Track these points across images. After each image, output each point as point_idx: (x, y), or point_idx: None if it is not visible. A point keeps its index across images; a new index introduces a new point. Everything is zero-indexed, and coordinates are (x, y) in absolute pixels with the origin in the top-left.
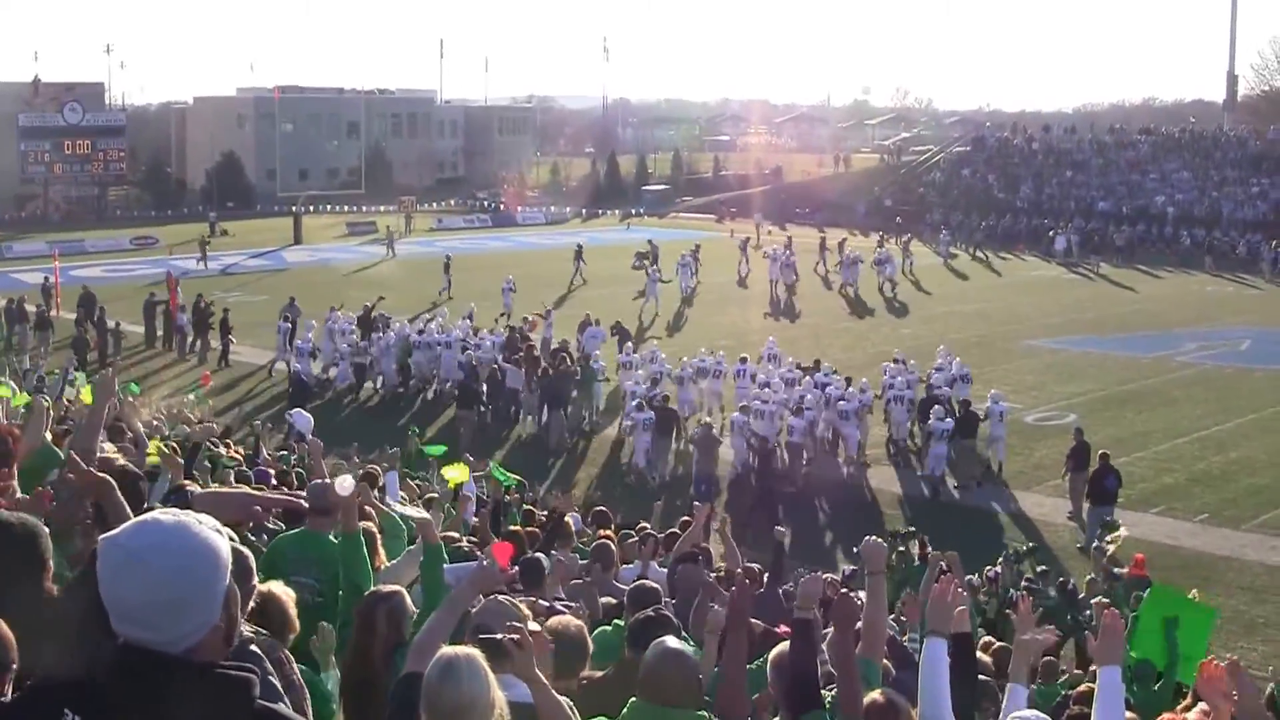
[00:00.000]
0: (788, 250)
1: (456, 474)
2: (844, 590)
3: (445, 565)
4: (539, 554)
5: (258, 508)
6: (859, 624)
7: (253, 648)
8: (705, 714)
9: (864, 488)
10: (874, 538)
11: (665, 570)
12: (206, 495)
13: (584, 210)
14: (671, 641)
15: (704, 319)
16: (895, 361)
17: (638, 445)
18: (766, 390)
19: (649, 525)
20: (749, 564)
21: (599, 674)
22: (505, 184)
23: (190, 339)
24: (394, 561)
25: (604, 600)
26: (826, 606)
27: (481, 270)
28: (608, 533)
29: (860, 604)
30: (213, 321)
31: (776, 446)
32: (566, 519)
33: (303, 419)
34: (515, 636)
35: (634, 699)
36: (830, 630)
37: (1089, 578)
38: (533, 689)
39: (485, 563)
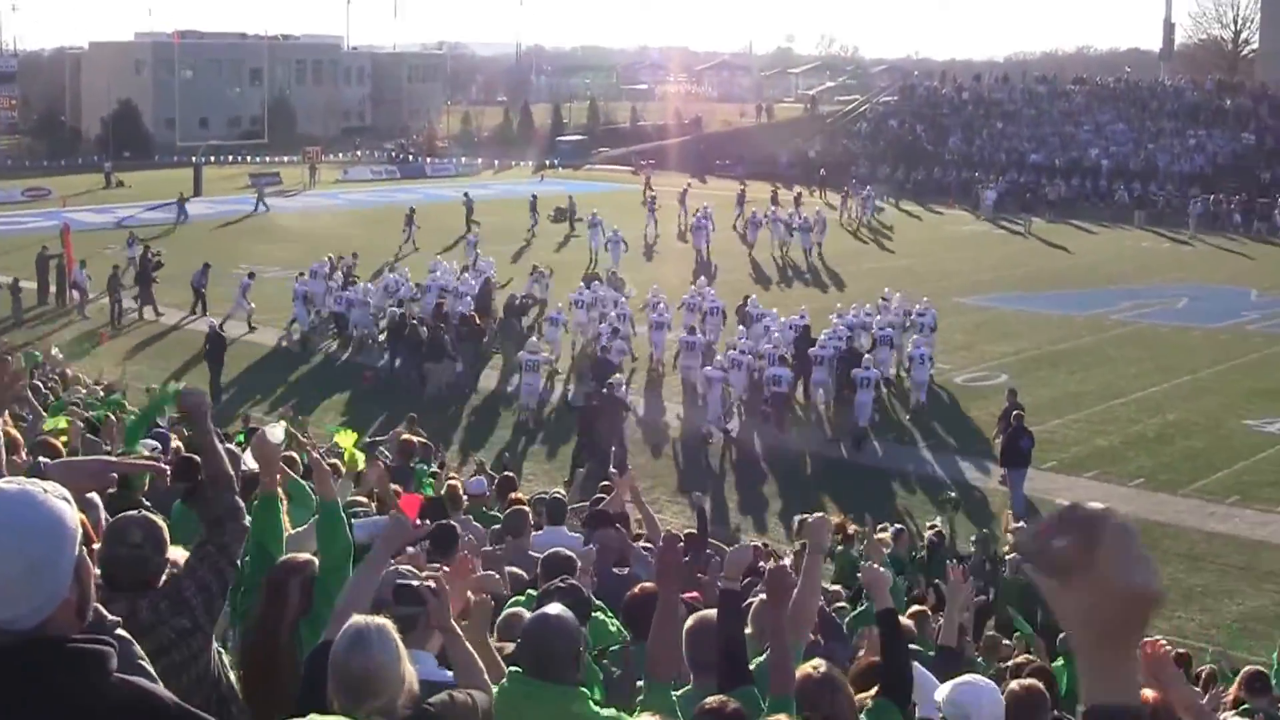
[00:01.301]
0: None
1: (349, 440)
2: (778, 561)
3: (353, 522)
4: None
5: (113, 474)
6: (792, 597)
7: (120, 631)
8: (585, 690)
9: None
10: (821, 515)
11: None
12: (58, 464)
13: (496, 161)
14: (553, 608)
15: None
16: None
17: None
18: (745, 341)
19: (562, 492)
20: (670, 531)
21: (509, 648)
22: (414, 134)
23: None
24: (299, 529)
25: (512, 570)
26: (755, 576)
27: (390, 224)
28: (519, 496)
29: (793, 577)
30: (157, 275)
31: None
32: (452, 481)
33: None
34: (431, 584)
35: (511, 668)
36: (757, 600)
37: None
38: (448, 640)
39: (397, 515)
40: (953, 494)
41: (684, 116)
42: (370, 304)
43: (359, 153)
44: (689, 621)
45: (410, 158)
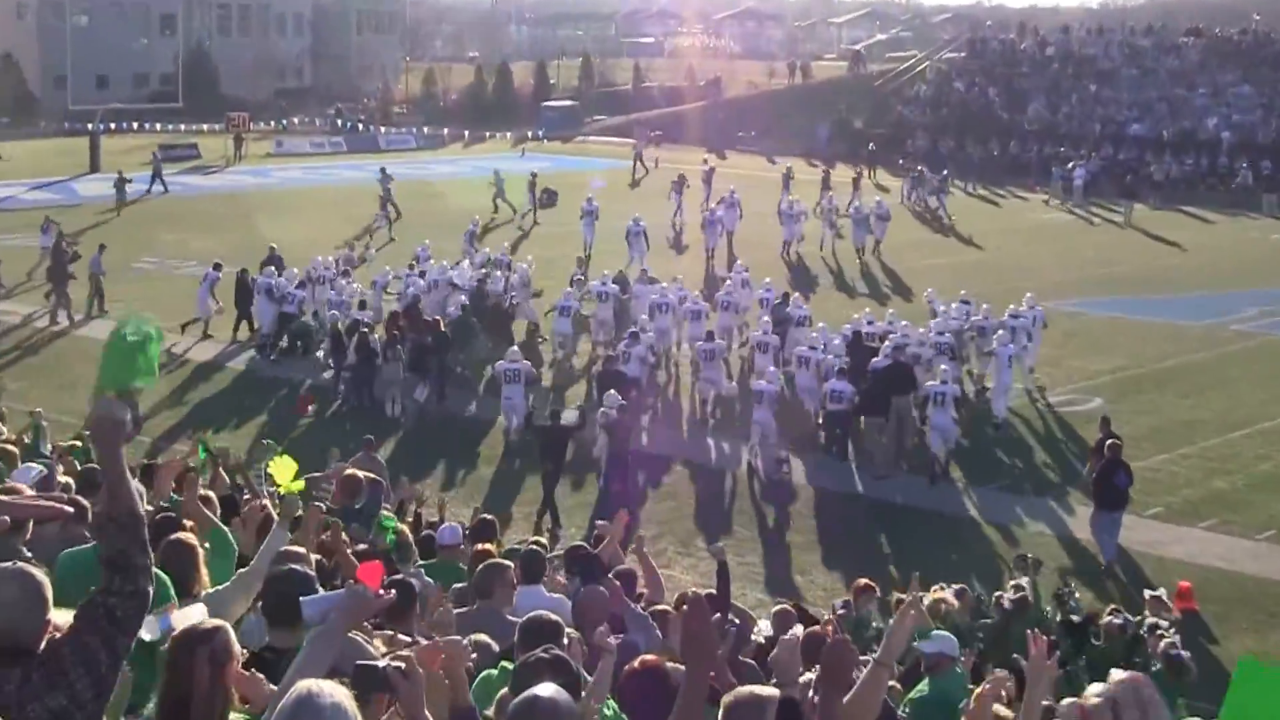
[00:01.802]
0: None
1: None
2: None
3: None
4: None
5: (4, 517)
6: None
7: None
8: None
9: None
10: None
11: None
12: None
13: (467, 132)
14: (545, 690)
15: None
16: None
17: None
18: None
19: (543, 541)
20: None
21: None
22: (365, 97)
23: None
24: (220, 587)
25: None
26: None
27: (337, 206)
28: (488, 548)
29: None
30: (74, 270)
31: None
32: (401, 526)
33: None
34: (400, 664)
35: None
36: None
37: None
38: None
39: (356, 588)
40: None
41: (699, 77)
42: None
43: (296, 121)
44: (729, 700)
45: (360, 127)
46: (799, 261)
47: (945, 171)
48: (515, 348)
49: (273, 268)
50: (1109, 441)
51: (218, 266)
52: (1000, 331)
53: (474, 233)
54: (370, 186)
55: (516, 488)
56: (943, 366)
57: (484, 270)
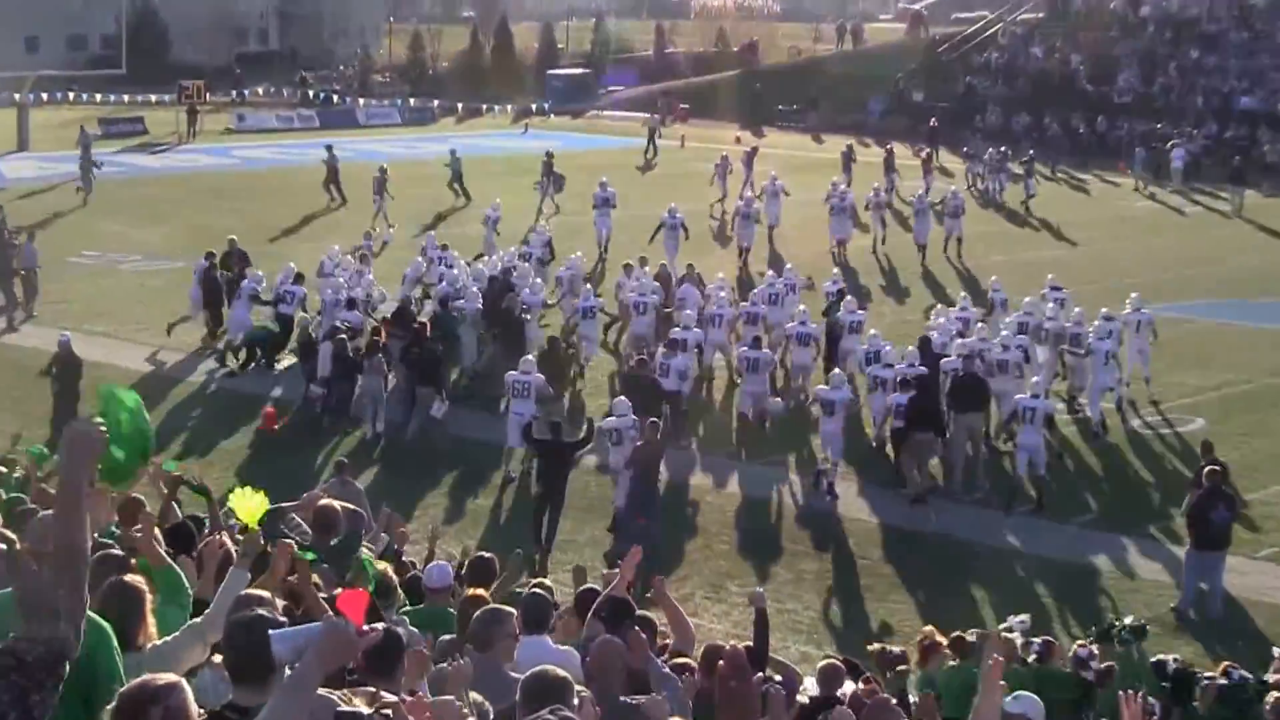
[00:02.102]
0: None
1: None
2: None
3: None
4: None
5: None
6: None
7: None
8: None
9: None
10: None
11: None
12: None
13: (460, 106)
14: None
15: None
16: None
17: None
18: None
19: (547, 584)
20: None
21: None
22: (341, 64)
23: None
24: (171, 637)
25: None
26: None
27: (310, 192)
28: (479, 593)
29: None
30: (17, 265)
31: None
32: (381, 566)
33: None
34: (387, 712)
35: None
36: None
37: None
38: None
39: (335, 621)
40: (1126, 622)
41: (732, 41)
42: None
43: (260, 91)
44: None
45: (335, 99)
46: (848, 260)
47: (1005, 149)
48: (530, 357)
49: (259, 272)
50: (1208, 469)
51: (210, 256)
52: (1097, 322)
53: (495, 219)
54: (350, 164)
55: (519, 521)
56: (1035, 378)
57: (512, 266)
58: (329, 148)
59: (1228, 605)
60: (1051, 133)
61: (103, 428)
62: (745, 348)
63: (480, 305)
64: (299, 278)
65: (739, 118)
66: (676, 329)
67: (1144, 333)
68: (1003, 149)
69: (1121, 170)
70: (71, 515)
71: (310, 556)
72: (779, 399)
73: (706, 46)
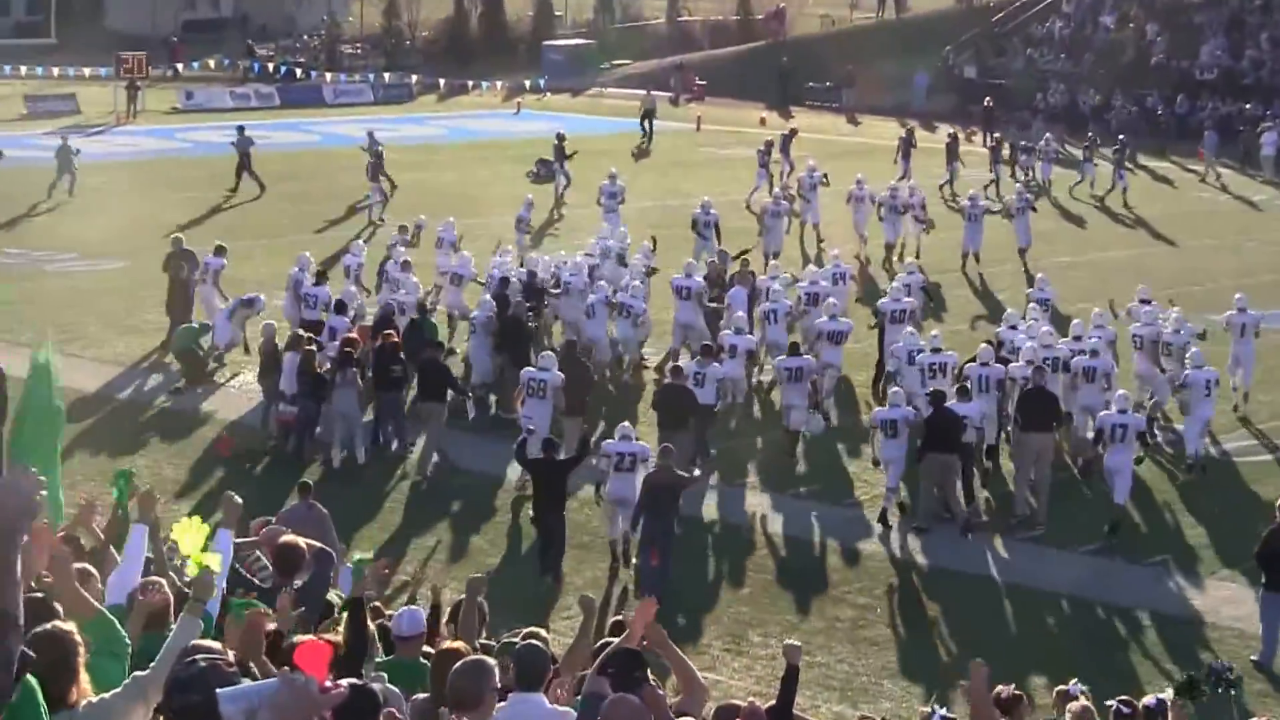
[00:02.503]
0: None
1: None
2: None
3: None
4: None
5: None
6: None
7: None
8: None
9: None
10: None
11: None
12: None
13: (443, 82)
14: None
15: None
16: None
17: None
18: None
19: (542, 634)
20: (750, 700)
21: None
22: (305, 34)
23: None
24: (108, 694)
25: None
26: None
27: (273, 180)
28: (455, 646)
29: None
30: None
31: None
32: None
33: None
34: None
35: None
36: None
37: None
38: None
39: (293, 676)
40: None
41: (756, 9)
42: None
43: (211, 64)
44: None
45: (299, 74)
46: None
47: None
48: (549, 352)
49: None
50: None
51: (220, 251)
52: (1193, 349)
53: (525, 216)
54: (317, 149)
55: (510, 560)
56: (1122, 392)
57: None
58: (240, 129)
59: None
60: (1124, 114)
61: (40, 476)
62: (783, 356)
63: (493, 313)
64: (321, 276)
65: (764, 96)
66: (725, 333)
67: (1248, 335)
68: (1091, 137)
69: (1200, 158)
70: (3, 579)
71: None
72: (819, 415)
73: (726, 15)
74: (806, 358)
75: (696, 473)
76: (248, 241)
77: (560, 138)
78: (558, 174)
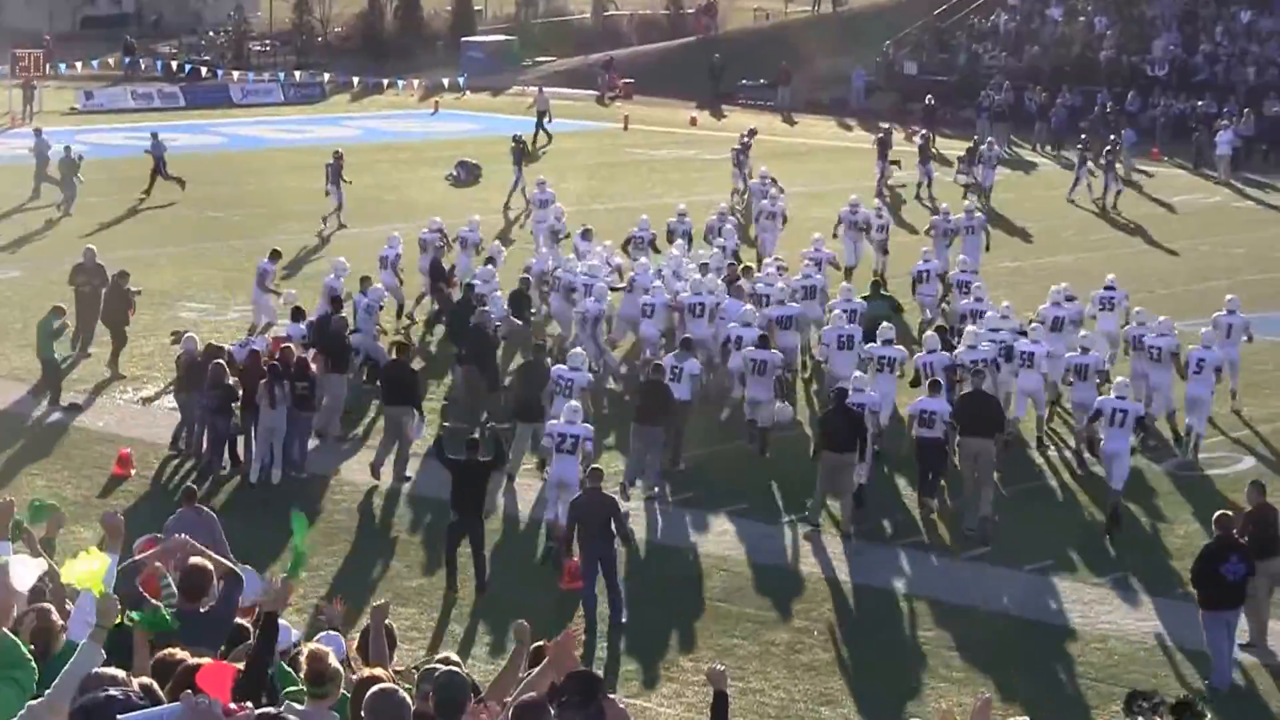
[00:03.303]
0: (766, 184)
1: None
2: None
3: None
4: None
5: None
6: None
7: None
8: None
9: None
10: None
11: None
12: None
13: (356, 80)
14: None
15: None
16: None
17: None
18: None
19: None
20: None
21: None
22: (212, 30)
23: None
24: None
25: None
26: None
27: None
28: (377, 673)
29: None
30: None
31: None
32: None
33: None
34: None
35: None
36: None
37: None
38: None
39: (195, 699)
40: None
41: (686, 3)
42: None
43: (111, 62)
44: None
45: (205, 72)
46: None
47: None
48: (579, 350)
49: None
50: (1217, 515)
51: (275, 256)
52: (1205, 329)
53: (558, 213)
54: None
55: (435, 583)
56: (1121, 379)
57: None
58: (154, 135)
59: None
60: (1076, 111)
61: None
62: (754, 349)
63: (506, 309)
64: (365, 281)
65: (694, 94)
66: (732, 325)
67: (1235, 338)
68: (1084, 139)
69: (1156, 157)
70: None
71: (169, 624)
72: (786, 403)
73: (655, 9)
74: (774, 352)
75: (625, 506)
76: (152, 250)
77: (517, 140)
78: (519, 178)
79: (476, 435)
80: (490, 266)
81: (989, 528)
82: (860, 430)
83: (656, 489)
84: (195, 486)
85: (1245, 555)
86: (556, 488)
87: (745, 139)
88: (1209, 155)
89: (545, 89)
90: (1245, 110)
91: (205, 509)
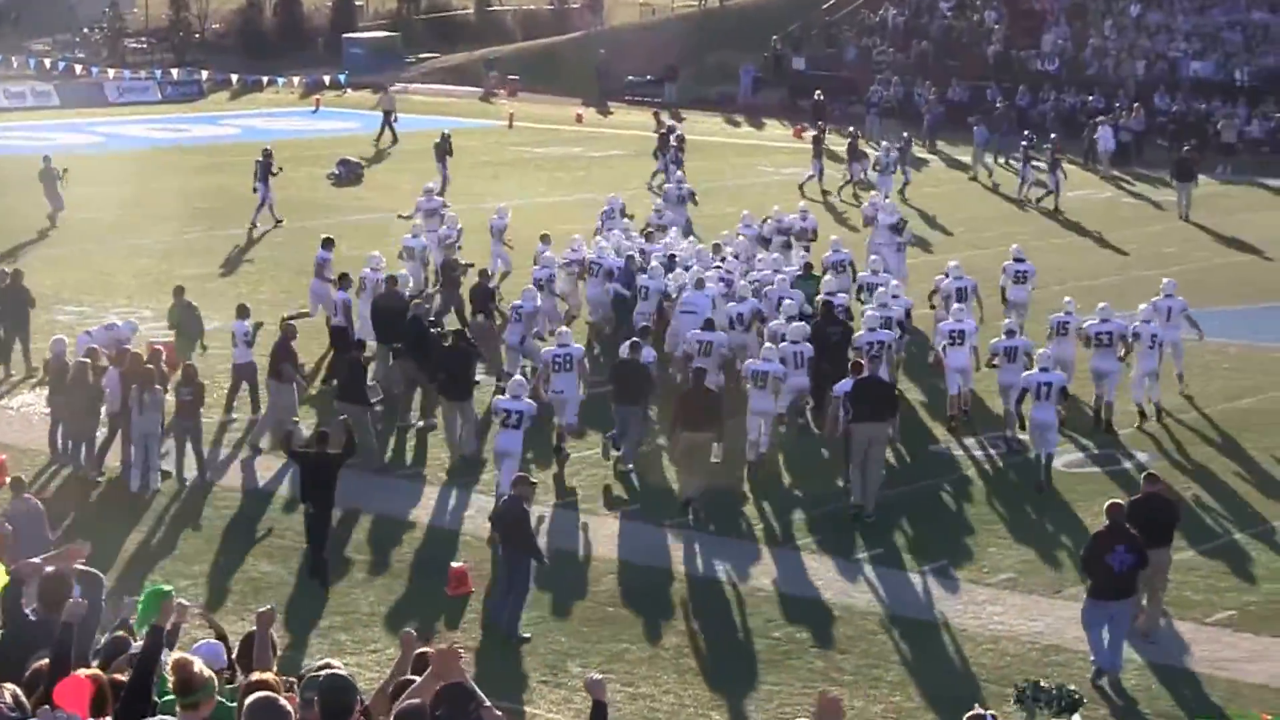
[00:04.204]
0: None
1: None
2: None
3: None
4: None
5: None
6: None
7: None
8: None
9: None
10: None
11: None
12: None
13: (235, 78)
14: None
15: None
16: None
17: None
18: None
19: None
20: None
21: None
22: (85, 26)
23: None
24: None
25: None
26: None
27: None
28: (266, 677)
29: None
30: None
31: None
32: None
33: None
34: None
35: None
36: None
37: None
38: None
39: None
40: (1065, 693)
41: None
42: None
43: None
44: None
45: (78, 70)
46: None
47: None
48: (566, 329)
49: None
50: (1108, 503)
51: (328, 244)
52: (1143, 306)
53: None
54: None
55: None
56: (1043, 350)
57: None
58: (46, 159)
59: (1184, 679)
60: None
61: None
62: (757, 360)
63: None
64: (392, 280)
65: (580, 91)
66: (730, 304)
67: (1175, 322)
68: (1054, 138)
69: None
70: None
71: None
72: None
73: (539, 4)
74: (773, 363)
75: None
76: (28, 254)
77: (445, 136)
78: (441, 173)
79: (327, 428)
80: (377, 253)
81: (868, 508)
82: (717, 409)
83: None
84: (22, 477)
85: (1135, 545)
86: (500, 456)
87: (674, 138)
88: (1094, 151)
89: (392, 89)
90: (1135, 105)
91: (32, 498)
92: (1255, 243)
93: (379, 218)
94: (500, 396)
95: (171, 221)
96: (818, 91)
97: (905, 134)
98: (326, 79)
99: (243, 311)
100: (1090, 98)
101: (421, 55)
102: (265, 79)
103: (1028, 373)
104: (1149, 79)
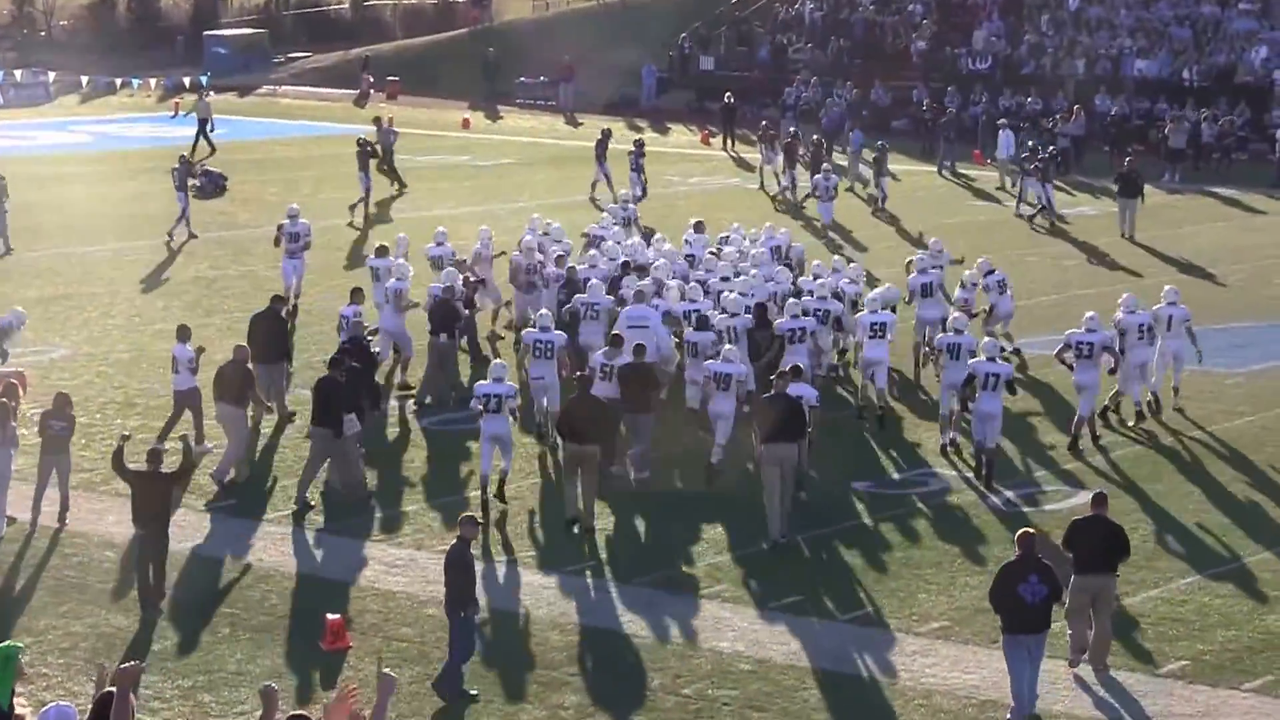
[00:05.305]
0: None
1: None
2: None
3: None
4: None
5: None
6: None
7: None
8: None
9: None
10: None
11: None
12: None
13: (85, 80)
14: None
15: None
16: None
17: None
18: None
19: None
20: None
21: None
22: None
23: None
24: None
25: None
26: None
27: None
28: None
29: None
30: None
31: None
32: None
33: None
34: None
35: None
36: None
37: None
38: None
39: None
40: None
41: None
42: None
43: None
44: None
45: None
46: None
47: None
48: (546, 312)
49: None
50: (1019, 533)
51: (382, 252)
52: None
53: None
54: None
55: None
56: (989, 339)
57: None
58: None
59: None
60: (888, 111)
61: None
62: (715, 361)
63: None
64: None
65: (467, 93)
66: (720, 315)
67: (1176, 331)
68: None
69: (978, 160)
70: None
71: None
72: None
73: None
74: (736, 364)
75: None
76: None
77: (362, 143)
78: (361, 182)
79: (163, 445)
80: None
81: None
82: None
83: (636, 476)
84: None
85: (1048, 577)
86: (488, 440)
87: (635, 143)
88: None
89: (207, 96)
90: (1074, 106)
91: None
92: (1203, 263)
93: (245, 234)
94: (482, 382)
95: (16, 238)
96: (728, 94)
97: (881, 142)
98: (187, 81)
99: (184, 334)
100: (1028, 99)
101: (291, 55)
102: (119, 81)
103: (974, 360)
104: (1090, 79)
